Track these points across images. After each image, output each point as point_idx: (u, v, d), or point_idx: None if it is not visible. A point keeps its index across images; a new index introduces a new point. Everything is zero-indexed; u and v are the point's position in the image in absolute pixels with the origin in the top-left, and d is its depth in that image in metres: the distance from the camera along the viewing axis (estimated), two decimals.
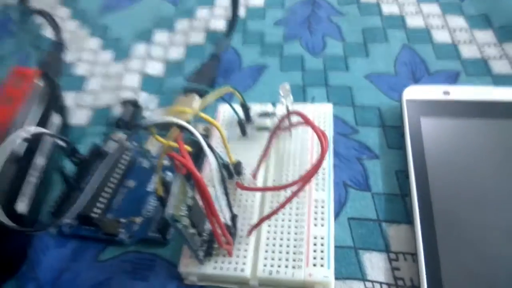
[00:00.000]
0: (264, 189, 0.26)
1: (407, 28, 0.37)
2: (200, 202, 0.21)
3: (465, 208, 0.24)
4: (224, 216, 0.22)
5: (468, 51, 0.34)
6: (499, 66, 0.33)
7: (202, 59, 0.37)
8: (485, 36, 0.35)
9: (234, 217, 0.23)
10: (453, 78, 0.32)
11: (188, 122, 0.22)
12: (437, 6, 0.38)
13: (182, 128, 0.21)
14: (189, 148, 0.27)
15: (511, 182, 0.25)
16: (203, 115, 0.24)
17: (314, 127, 0.22)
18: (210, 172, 0.28)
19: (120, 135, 0.31)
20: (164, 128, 0.30)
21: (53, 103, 0.31)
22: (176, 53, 0.39)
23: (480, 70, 0.33)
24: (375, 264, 0.24)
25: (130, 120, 0.31)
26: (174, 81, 0.36)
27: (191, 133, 0.20)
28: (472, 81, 0.32)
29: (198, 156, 0.30)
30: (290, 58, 0.36)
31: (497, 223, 0.23)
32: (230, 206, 0.22)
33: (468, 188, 0.25)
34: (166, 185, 0.25)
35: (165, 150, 0.22)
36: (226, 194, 0.22)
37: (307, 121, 0.23)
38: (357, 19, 0.38)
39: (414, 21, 0.37)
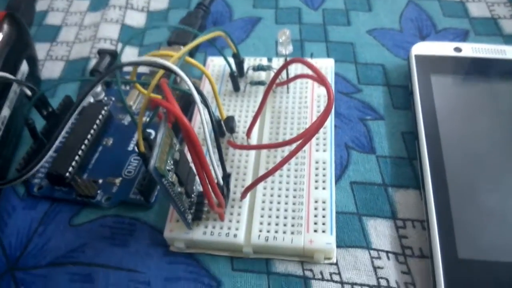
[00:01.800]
0: (259, 147, 0.23)
1: None
2: (189, 157, 0.18)
3: (480, 171, 0.22)
4: (216, 174, 0.19)
5: (476, 10, 0.32)
6: (510, 26, 0.31)
7: (189, 9, 0.33)
8: None
9: (227, 177, 0.20)
10: (461, 37, 0.30)
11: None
12: None
13: (167, 69, 0.18)
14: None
15: None
16: (191, 60, 0.21)
17: (319, 75, 0.20)
18: (199, 128, 0.25)
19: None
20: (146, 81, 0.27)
21: (21, 49, 0.27)
22: (159, 2, 0.35)
23: (490, 30, 0.31)
24: (381, 232, 0.22)
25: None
26: (157, 33, 0.32)
27: (178, 77, 0.17)
28: (482, 41, 0.30)
29: (184, 113, 0.27)
30: (286, 10, 0.33)
31: None
32: (222, 164, 0.19)
33: (482, 150, 0.23)
34: (148, 141, 0.22)
35: (147, 99, 0.19)
36: (219, 149, 0.19)
37: (311, 68, 0.20)
38: None
39: None
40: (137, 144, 0.21)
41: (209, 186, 0.18)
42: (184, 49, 0.20)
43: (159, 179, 0.17)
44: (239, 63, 0.26)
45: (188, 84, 0.18)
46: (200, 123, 0.23)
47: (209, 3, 0.33)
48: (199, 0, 0.33)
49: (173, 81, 0.22)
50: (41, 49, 0.33)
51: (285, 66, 0.23)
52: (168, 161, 0.17)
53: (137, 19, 0.34)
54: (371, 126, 0.26)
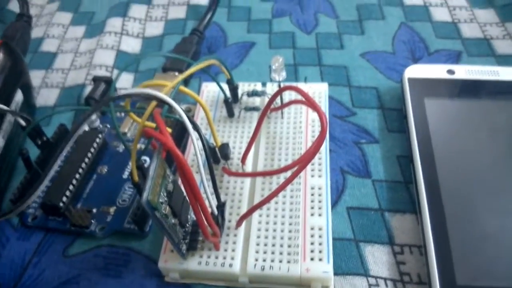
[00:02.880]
0: (254, 174, 0.23)
1: (404, 5, 0.34)
2: (183, 188, 0.18)
3: (477, 195, 0.22)
4: (210, 204, 0.19)
5: (469, 31, 0.32)
6: (503, 47, 0.31)
7: (183, 35, 0.34)
8: (487, 15, 0.33)
9: (221, 206, 0.20)
10: (454, 59, 0.30)
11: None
12: None
13: (160, 101, 0.18)
14: (168, 130, 0.25)
15: None
16: (184, 89, 0.21)
17: (312, 103, 0.20)
18: (193, 155, 0.25)
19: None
20: (140, 108, 0.27)
21: (15, 77, 0.27)
22: (155, 28, 0.36)
23: (483, 50, 0.31)
24: (378, 258, 0.21)
25: (101, 98, 0.28)
26: (152, 59, 0.33)
27: (171, 107, 0.17)
28: (475, 62, 0.30)
29: (179, 139, 0.27)
30: (280, 34, 0.33)
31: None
32: (217, 193, 0.19)
33: (479, 174, 0.22)
34: (142, 171, 0.22)
35: (141, 128, 0.19)
36: (213, 179, 0.19)
37: (303, 96, 0.20)
38: None
39: None
40: (131, 174, 0.21)
41: (203, 217, 0.18)
42: (177, 79, 0.20)
43: (152, 212, 0.16)
44: (233, 89, 0.26)
45: (181, 114, 0.18)
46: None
47: (203, 28, 0.33)
48: (193, 26, 0.33)
49: (167, 110, 0.22)
50: (36, 77, 0.33)
51: (278, 93, 0.23)
52: (161, 193, 0.17)
53: (132, 45, 0.34)
54: (366, 149, 0.26)
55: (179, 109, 0.18)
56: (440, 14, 0.33)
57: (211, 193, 0.19)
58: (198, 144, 0.19)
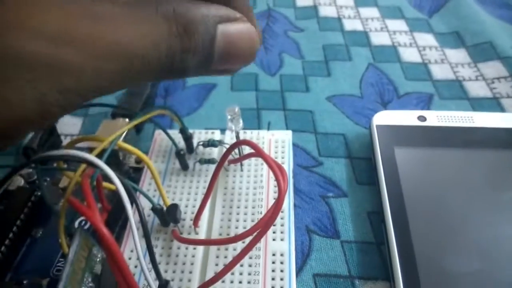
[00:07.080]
0: (207, 242, 0.20)
1: (372, 45, 0.33)
2: None
3: (455, 256, 0.20)
4: (149, 284, 0.16)
5: (440, 72, 0.31)
6: (475, 88, 0.29)
7: None
8: (458, 55, 0.32)
9: (164, 285, 0.17)
10: (425, 102, 0.29)
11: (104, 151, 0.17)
12: (403, 22, 0.35)
13: (90, 165, 0.15)
14: (113, 187, 0.22)
15: (503, 219, 0.21)
16: (123, 144, 0.18)
17: (268, 161, 0.17)
18: (139, 222, 0.22)
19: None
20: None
21: None
22: None
23: (455, 93, 0.29)
24: None
25: (40, 149, 0.25)
26: (103, 101, 0.30)
27: (101, 170, 0.15)
28: (447, 105, 0.28)
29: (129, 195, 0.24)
30: (242, 76, 0.31)
31: (493, 271, 0.19)
32: (158, 273, 0.17)
33: (455, 230, 0.20)
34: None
35: (70, 191, 0.16)
36: (152, 260, 0.16)
37: (259, 153, 0.18)
38: (317, 35, 0.34)
39: (379, 38, 0.34)
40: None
41: None
42: (112, 137, 0.18)
43: None
44: (187, 138, 0.24)
45: (115, 182, 0.15)
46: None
47: None
48: None
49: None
50: None
51: (233, 147, 0.20)
52: (85, 279, 0.14)
53: None
54: (334, 205, 0.23)
55: (113, 174, 0.15)
56: (410, 55, 0.32)
57: (150, 269, 0.17)
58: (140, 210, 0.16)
